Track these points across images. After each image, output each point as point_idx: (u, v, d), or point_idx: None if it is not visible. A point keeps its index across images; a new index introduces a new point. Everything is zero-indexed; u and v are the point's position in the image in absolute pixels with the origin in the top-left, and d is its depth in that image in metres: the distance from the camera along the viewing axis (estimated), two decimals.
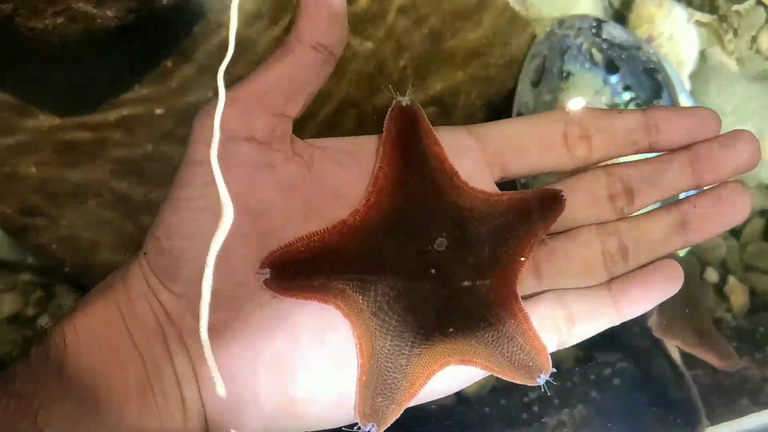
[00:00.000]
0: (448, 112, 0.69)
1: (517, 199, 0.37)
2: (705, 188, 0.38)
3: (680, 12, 0.75)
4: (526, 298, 0.37)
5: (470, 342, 0.35)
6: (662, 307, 0.68)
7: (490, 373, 0.36)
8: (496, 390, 0.74)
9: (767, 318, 0.72)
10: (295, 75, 0.34)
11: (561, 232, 0.38)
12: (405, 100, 0.36)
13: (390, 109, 0.36)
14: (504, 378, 0.35)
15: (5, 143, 0.61)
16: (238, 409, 0.35)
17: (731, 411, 0.66)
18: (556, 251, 0.38)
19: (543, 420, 0.68)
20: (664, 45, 0.73)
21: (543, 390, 0.70)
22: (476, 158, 0.38)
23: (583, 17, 0.74)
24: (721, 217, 0.37)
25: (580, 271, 0.38)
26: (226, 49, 0.39)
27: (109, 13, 0.55)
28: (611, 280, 0.38)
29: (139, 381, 0.33)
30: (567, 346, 0.37)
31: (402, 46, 0.66)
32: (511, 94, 0.72)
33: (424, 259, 0.35)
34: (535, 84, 0.70)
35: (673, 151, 0.38)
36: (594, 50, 0.70)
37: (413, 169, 0.36)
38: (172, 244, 0.33)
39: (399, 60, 0.67)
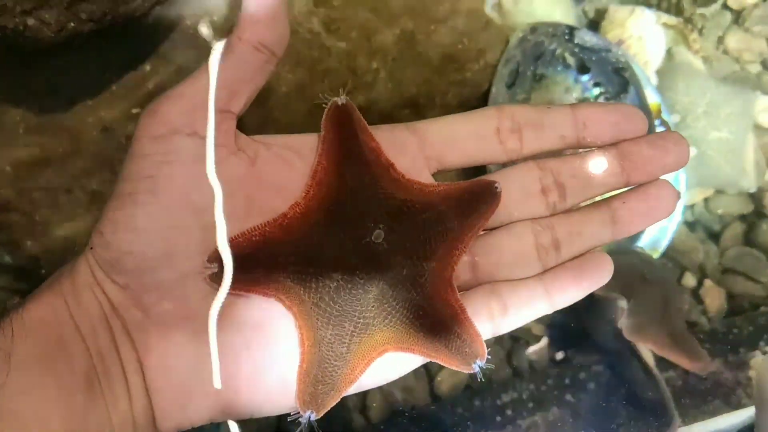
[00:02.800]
0: (423, 114, 0.70)
1: (453, 190, 0.37)
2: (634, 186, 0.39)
3: (649, 15, 0.77)
4: (462, 289, 0.38)
5: (408, 330, 0.36)
6: (635, 311, 0.68)
7: (428, 360, 0.36)
8: (470, 390, 0.74)
9: (741, 321, 0.72)
10: (238, 73, 0.35)
11: (497, 227, 0.39)
12: (341, 100, 0.37)
13: (326, 108, 0.37)
14: (441, 363, 0.36)
15: None
16: (184, 398, 0.35)
17: (703, 412, 0.66)
18: (491, 244, 0.39)
19: (517, 422, 0.68)
20: (633, 45, 0.75)
21: (517, 394, 0.70)
22: (414, 152, 0.38)
23: (556, 25, 0.75)
24: (649, 212, 0.38)
25: (514, 264, 0.38)
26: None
27: (83, 16, 0.56)
28: (544, 271, 0.38)
29: (85, 369, 0.34)
30: (501, 333, 0.38)
31: (374, 47, 0.67)
32: (486, 95, 0.73)
33: (363, 250, 0.35)
34: (509, 86, 0.71)
35: (601, 147, 0.39)
36: (567, 54, 0.71)
37: (350, 162, 0.36)
38: (117, 238, 0.34)
39: (372, 61, 0.68)
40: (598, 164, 0.38)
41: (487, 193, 0.37)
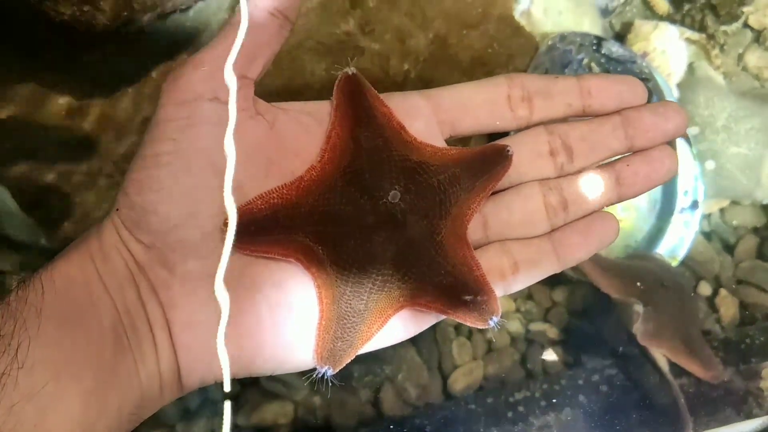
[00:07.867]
0: None
1: (466, 153, 0.39)
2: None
3: (673, 30, 0.79)
4: (474, 247, 0.39)
5: (425, 287, 0.37)
6: (651, 316, 0.70)
7: (443, 318, 0.38)
8: (483, 389, 0.75)
9: (754, 331, 0.73)
10: (255, 39, 0.36)
11: (507, 188, 0.41)
12: (350, 70, 0.39)
13: (337, 79, 0.39)
14: (458, 320, 0.37)
15: (27, 124, 0.64)
16: (208, 354, 0.36)
17: (715, 420, 0.67)
18: (501, 204, 0.40)
19: (529, 420, 0.69)
20: (657, 58, 0.77)
21: (530, 392, 0.71)
22: (428, 118, 0.40)
23: (584, 34, 0.77)
24: (651, 174, 0.40)
25: (524, 223, 0.40)
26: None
27: (136, 6, 0.58)
28: (553, 231, 0.40)
29: (112, 325, 0.35)
30: (512, 291, 0.39)
31: (407, 49, 0.69)
32: None
33: (380, 210, 0.37)
34: None
35: (606, 115, 0.41)
36: (593, 64, 0.73)
37: (362, 127, 0.38)
38: (141, 198, 0.35)
39: (404, 63, 0.70)
40: (603, 130, 0.40)
41: (500, 156, 0.39)
